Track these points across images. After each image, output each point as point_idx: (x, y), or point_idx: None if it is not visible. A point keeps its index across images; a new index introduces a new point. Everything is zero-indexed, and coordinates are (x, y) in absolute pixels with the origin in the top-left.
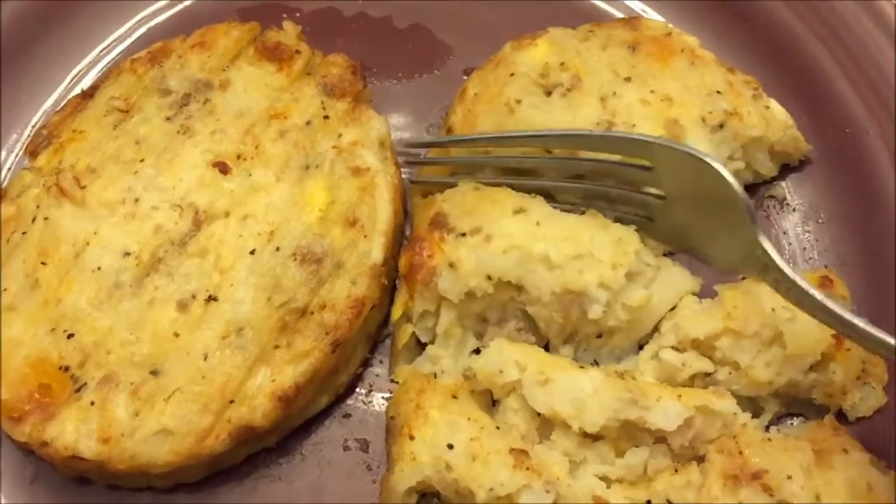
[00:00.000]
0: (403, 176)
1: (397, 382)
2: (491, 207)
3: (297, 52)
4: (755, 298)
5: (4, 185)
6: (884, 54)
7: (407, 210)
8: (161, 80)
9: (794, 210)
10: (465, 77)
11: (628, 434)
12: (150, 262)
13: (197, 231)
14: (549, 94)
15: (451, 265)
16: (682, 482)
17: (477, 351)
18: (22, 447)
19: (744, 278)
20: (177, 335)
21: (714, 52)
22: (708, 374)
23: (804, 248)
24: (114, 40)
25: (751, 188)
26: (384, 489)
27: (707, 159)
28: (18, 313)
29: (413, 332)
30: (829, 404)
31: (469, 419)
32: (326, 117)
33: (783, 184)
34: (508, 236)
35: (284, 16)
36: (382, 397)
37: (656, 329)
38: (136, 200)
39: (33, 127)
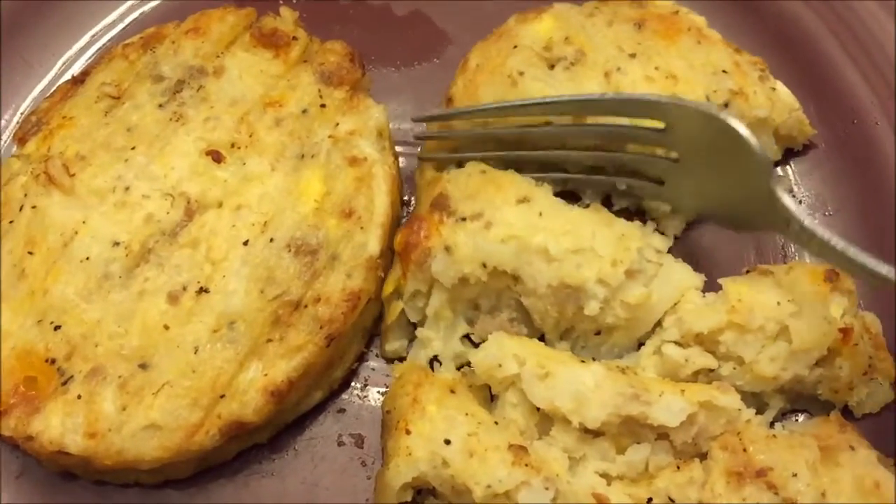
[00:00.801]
0: (414, 153)
1: (394, 377)
2: (495, 193)
3: (294, 38)
4: (760, 292)
5: None
6: (893, 45)
7: (404, 201)
8: (154, 66)
9: (800, 202)
10: None
11: (630, 430)
12: (141, 252)
13: (189, 221)
14: (552, 67)
15: (447, 249)
16: (685, 479)
17: (467, 337)
18: (7, 441)
19: (748, 272)
20: (167, 328)
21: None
22: (712, 370)
23: None
24: (106, 25)
25: None
26: (379, 485)
27: (722, 115)
28: (4, 304)
29: (402, 310)
30: (835, 400)
31: (467, 414)
32: (323, 105)
33: (790, 176)
34: (509, 225)
35: (281, 2)
36: (378, 392)
37: (658, 324)
38: (127, 189)
39: (22, 113)
